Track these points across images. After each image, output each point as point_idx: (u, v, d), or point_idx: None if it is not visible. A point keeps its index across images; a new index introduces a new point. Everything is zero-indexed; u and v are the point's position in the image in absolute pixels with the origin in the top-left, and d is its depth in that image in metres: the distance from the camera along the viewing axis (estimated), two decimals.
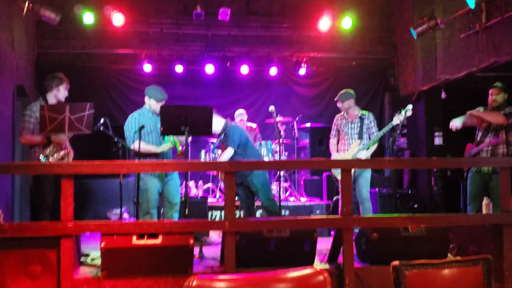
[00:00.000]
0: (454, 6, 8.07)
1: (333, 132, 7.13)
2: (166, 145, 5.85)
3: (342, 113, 7.06)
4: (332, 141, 7.13)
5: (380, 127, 6.89)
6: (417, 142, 9.65)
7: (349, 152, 6.77)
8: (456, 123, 6.37)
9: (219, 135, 6.26)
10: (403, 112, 6.58)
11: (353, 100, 6.97)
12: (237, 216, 6.40)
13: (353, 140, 6.81)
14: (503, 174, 4.59)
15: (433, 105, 9.23)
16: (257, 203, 6.68)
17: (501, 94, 6.21)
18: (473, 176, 6.27)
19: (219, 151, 6.73)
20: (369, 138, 6.81)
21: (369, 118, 6.92)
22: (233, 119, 8.94)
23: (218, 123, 6.17)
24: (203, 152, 8.91)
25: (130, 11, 9.50)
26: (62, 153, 5.32)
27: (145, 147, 5.73)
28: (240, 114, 9.07)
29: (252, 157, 6.25)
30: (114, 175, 7.54)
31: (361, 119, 6.89)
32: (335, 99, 7.03)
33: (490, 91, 6.31)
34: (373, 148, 6.78)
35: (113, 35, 9.71)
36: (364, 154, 6.69)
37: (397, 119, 6.58)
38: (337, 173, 6.80)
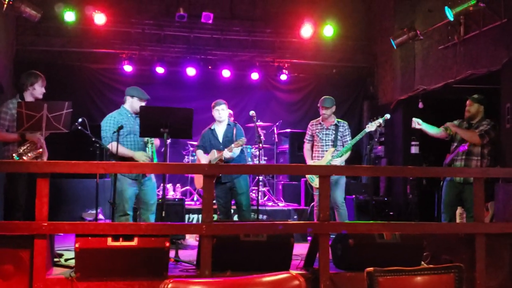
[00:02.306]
0: (434, 18, 8.19)
1: (307, 137, 7.15)
2: (143, 156, 5.73)
3: (318, 119, 7.09)
4: (306, 146, 7.14)
5: (357, 135, 6.95)
6: (394, 150, 9.74)
7: (324, 159, 6.81)
8: (420, 124, 6.46)
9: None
10: (376, 120, 6.67)
11: (334, 108, 7.02)
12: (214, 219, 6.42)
13: (328, 147, 6.86)
14: (477, 184, 4.66)
15: (411, 115, 9.22)
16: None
17: (475, 105, 6.30)
18: (447, 185, 6.35)
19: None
20: (343, 146, 6.86)
21: (344, 126, 7.00)
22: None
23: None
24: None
25: (111, 11, 9.45)
26: (35, 152, 5.27)
27: (122, 150, 5.66)
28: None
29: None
30: (90, 175, 7.49)
31: (337, 126, 6.95)
32: (319, 104, 7.03)
33: (467, 102, 6.42)
34: (346, 155, 6.85)
35: (94, 34, 9.64)
36: (338, 162, 6.75)
37: (370, 127, 6.66)
38: (311, 180, 6.85)
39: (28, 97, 5.57)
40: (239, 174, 6.27)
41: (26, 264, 4.12)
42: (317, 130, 7.00)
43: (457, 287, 2.49)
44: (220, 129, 6.62)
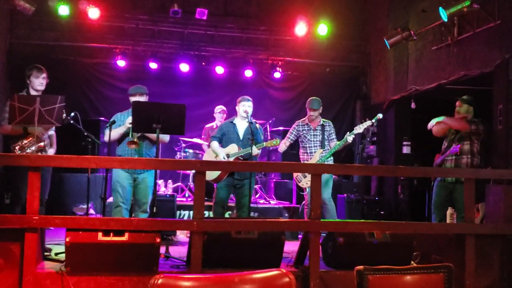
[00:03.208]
0: (428, 18, 8.22)
1: (290, 136, 7.07)
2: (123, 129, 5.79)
3: (304, 119, 7.08)
4: (285, 141, 7.06)
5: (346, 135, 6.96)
6: (386, 150, 9.77)
7: (312, 160, 6.81)
8: (431, 123, 6.51)
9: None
10: (364, 123, 6.68)
11: (321, 109, 7.03)
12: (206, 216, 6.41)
13: (316, 148, 6.86)
14: (467, 185, 4.68)
15: (403, 115, 9.37)
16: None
17: (464, 106, 6.33)
18: (438, 185, 6.37)
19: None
20: (330, 146, 6.88)
21: (330, 125, 7.04)
22: (212, 116, 8.95)
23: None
24: None
25: (105, 5, 9.44)
26: (37, 146, 5.24)
27: (113, 133, 5.75)
28: (221, 107, 9.08)
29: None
30: (82, 169, 7.47)
31: (323, 126, 6.96)
32: (307, 106, 7.02)
33: (456, 103, 6.46)
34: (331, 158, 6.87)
35: (88, 28, 9.62)
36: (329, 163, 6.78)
37: (358, 129, 6.68)
38: (299, 179, 6.86)
39: (31, 90, 5.55)
40: (249, 176, 6.22)
41: (16, 258, 4.11)
42: (304, 132, 6.99)
43: (446, 287, 2.51)
44: (241, 125, 6.55)
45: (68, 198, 8.06)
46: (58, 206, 7.85)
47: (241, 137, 6.49)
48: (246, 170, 6.01)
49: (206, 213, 6.95)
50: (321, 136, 6.90)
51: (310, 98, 7.08)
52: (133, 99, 5.83)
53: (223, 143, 6.51)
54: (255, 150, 6.20)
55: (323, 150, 6.81)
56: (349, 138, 6.59)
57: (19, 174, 5.32)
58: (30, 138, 5.22)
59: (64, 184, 8.20)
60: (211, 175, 6.19)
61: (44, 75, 5.59)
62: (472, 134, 6.17)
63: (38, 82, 5.55)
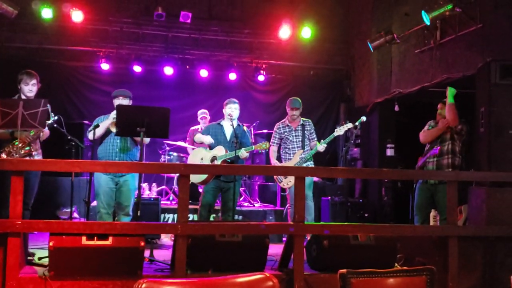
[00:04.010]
0: (411, 22, 8.30)
1: (275, 140, 7.09)
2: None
3: (284, 121, 7.11)
4: (274, 148, 7.08)
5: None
6: (370, 152, 9.83)
7: (292, 161, 6.84)
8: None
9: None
10: (345, 125, 6.74)
11: (301, 108, 7.07)
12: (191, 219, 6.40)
13: (298, 149, 6.90)
14: (450, 187, 4.74)
15: (387, 117, 9.43)
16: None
17: (446, 108, 6.40)
18: (420, 187, 6.43)
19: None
20: (310, 144, 6.93)
21: (310, 124, 7.09)
22: (196, 119, 8.96)
23: None
24: None
25: (89, 8, 9.39)
26: (25, 151, 5.20)
27: (98, 128, 5.74)
28: (203, 112, 9.09)
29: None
30: (65, 173, 7.41)
31: (303, 126, 7.01)
32: (288, 106, 7.05)
33: (438, 106, 6.52)
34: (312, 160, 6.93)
35: (71, 31, 9.56)
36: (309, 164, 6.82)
37: (339, 131, 6.73)
38: (279, 179, 6.88)
39: (22, 96, 5.49)
40: (237, 179, 6.19)
41: None
42: (286, 133, 7.01)
43: None
44: (229, 128, 6.51)
45: (51, 202, 7.99)
46: (41, 210, 7.77)
47: (228, 138, 6.46)
48: (231, 173, 5.99)
49: (191, 216, 6.95)
50: (301, 136, 6.94)
51: (290, 98, 7.12)
52: (116, 101, 5.82)
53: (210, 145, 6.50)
54: (244, 153, 6.18)
55: (304, 151, 6.84)
56: (320, 147, 6.70)
57: (4, 177, 5.27)
58: (19, 143, 5.18)
59: (47, 187, 8.11)
60: (198, 177, 6.16)
61: (34, 81, 5.52)
62: (456, 133, 6.24)
63: (27, 89, 5.47)
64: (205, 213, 6.35)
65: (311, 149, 6.87)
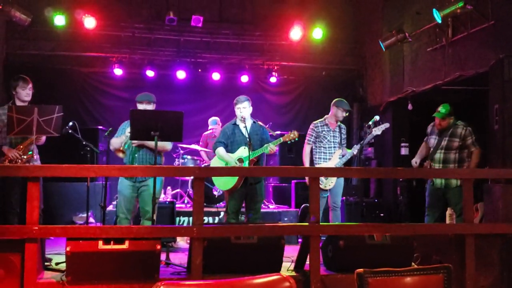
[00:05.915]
0: (422, 20, 8.26)
1: (311, 139, 6.89)
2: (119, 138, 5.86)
3: (322, 120, 6.96)
4: (308, 148, 6.88)
5: (348, 136, 6.99)
6: (384, 152, 9.78)
7: (332, 160, 6.79)
8: None
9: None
10: (382, 125, 6.73)
11: None
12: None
13: (336, 149, 6.85)
14: (466, 185, 4.71)
15: (400, 116, 9.39)
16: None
17: (445, 120, 6.44)
18: (429, 189, 6.46)
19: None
20: (345, 148, 6.92)
21: (344, 129, 7.08)
22: (206, 125, 8.98)
23: None
24: None
25: (101, 15, 9.45)
26: (25, 156, 5.26)
27: (115, 140, 5.80)
28: (213, 121, 9.12)
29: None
30: (81, 178, 7.47)
31: (340, 128, 6.98)
32: (339, 106, 6.87)
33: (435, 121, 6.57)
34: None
35: (84, 37, 9.62)
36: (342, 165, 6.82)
37: (377, 131, 6.70)
38: (320, 181, 6.48)
39: (17, 101, 5.54)
40: (262, 179, 6.10)
41: (17, 268, 4.11)
42: (324, 132, 6.87)
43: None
44: (243, 126, 6.13)
45: (67, 208, 8.06)
46: (57, 216, 7.86)
47: (246, 137, 6.00)
48: (247, 175, 5.93)
49: (206, 219, 6.95)
50: (339, 137, 6.91)
51: (338, 98, 7.03)
52: (140, 106, 5.83)
53: (229, 147, 6.17)
54: (273, 148, 5.99)
55: (341, 153, 6.83)
56: (375, 132, 6.71)
57: (8, 183, 5.33)
58: (21, 149, 5.25)
59: (63, 193, 8.20)
60: (226, 184, 5.94)
61: (30, 85, 5.59)
62: (472, 144, 6.27)
63: (25, 93, 5.53)
64: (235, 219, 6.08)
65: (347, 152, 6.82)
